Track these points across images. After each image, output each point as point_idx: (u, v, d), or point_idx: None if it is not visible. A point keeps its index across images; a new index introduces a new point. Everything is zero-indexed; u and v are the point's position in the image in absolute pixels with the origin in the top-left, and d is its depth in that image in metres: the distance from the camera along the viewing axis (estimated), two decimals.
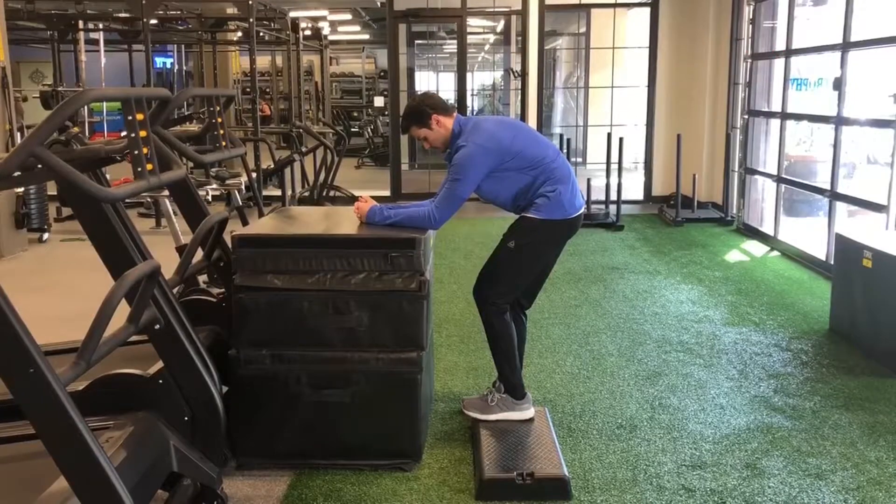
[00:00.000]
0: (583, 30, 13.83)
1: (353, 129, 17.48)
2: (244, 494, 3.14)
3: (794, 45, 7.50)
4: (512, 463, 3.20)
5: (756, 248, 7.76)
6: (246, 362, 3.29)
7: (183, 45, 13.35)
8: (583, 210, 3.55)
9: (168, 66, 17.02)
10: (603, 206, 9.23)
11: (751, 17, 8.37)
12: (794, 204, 8.47)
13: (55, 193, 7.47)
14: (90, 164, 2.54)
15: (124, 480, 2.47)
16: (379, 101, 15.59)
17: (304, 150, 6.99)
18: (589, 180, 9.22)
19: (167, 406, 2.94)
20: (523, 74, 10.61)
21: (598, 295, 6.03)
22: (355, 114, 19.63)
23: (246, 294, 3.27)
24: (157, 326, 2.90)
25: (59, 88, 10.40)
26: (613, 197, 9.10)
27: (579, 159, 13.14)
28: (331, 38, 18.24)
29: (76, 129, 2.74)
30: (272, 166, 6.86)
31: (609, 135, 9.34)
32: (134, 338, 2.85)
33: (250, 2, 8.50)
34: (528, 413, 3.61)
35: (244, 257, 3.29)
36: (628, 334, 5.08)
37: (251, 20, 8.57)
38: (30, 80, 16.10)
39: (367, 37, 19.07)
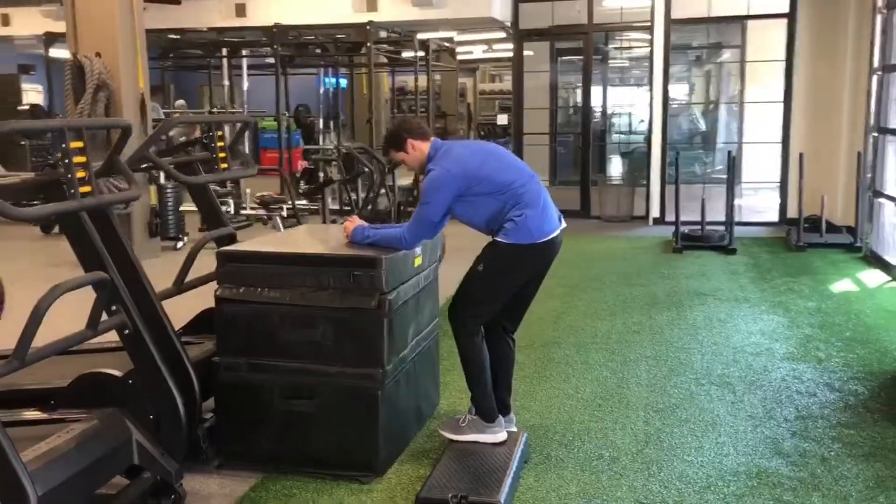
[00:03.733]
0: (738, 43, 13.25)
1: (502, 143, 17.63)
2: (209, 492, 3.38)
3: None
4: (456, 484, 3.22)
5: (874, 277, 7.09)
6: (226, 369, 3.54)
7: (331, 68, 14.16)
8: (556, 235, 3.49)
9: (334, 86, 18.16)
10: (721, 228, 8.79)
11: (882, 26, 7.69)
12: None
13: (189, 208, 8.24)
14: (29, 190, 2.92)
15: (70, 464, 2.81)
16: (502, 119, 15.56)
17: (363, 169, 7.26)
18: (703, 200, 8.83)
19: (135, 404, 3.26)
20: (651, 90, 10.34)
21: (665, 321, 5.80)
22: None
23: (226, 306, 3.54)
24: (127, 331, 3.24)
25: (213, 110, 11.46)
26: (738, 217, 8.65)
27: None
28: (486, 56, 18.60)
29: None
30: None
31: (729, 153, 8.90)
32: None
33: (368, 27, 8.95)
34: (500, 436, 3.59)
35: (227, 272, 3.55)
36: (669, 364, 4.86)
37: (368, 44, 9.02)
38: (207, 103, 17.78)
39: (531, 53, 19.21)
